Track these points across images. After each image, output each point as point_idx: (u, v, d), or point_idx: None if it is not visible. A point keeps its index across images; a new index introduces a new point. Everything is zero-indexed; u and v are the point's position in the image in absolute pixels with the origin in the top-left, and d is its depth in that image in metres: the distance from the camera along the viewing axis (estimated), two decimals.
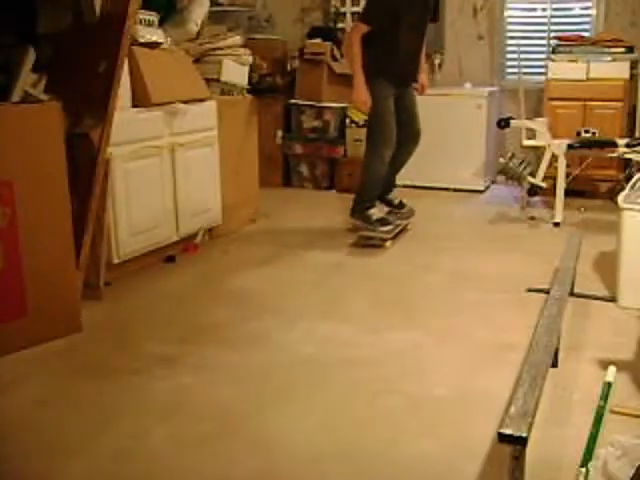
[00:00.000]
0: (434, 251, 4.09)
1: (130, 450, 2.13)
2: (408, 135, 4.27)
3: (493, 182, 5.94)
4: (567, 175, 4.71)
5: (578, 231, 3.92)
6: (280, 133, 5.80)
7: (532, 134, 4.85)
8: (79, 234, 3.00)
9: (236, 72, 4.44)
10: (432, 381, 2.53)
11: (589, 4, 5.59)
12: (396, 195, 4.49)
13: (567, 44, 5.31)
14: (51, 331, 2.87)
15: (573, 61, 5.21)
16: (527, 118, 4.98)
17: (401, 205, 4.46)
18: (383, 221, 4.19)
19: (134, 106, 3.61)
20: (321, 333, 2.97)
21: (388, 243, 4.13)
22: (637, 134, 5.04)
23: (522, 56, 5.23)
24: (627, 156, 4.58)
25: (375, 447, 2.13)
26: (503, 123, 4.88)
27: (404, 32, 4.04)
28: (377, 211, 4.22)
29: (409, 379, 2.55)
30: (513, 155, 4.84)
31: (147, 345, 2.85)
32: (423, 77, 4.36)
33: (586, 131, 5.12)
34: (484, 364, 2.66)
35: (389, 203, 4.44)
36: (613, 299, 3.21)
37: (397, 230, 4.27)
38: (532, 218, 4.79)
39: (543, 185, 4.72)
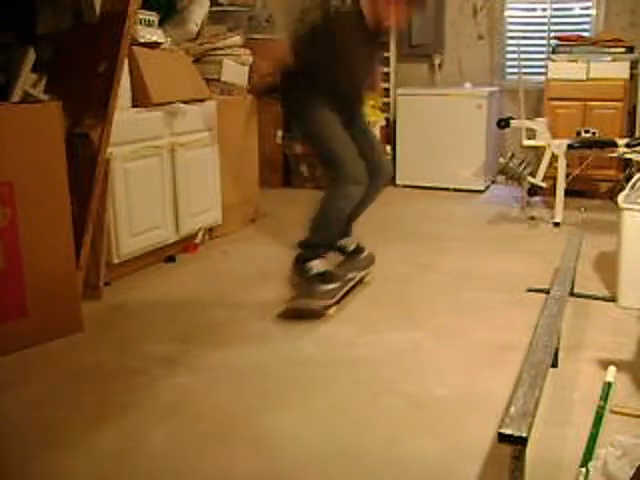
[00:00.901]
0: (434, 251, 4.09)
1: (130, 450, 2.13)
2: (369, 169, 3.36)
3: (493, 182, 5.94)
4: (567, 175, 4.71)
5: (578, 231, 3.92)
6: (280, 133, 5.79)
7: (532, 134, 4.85)
8: (79, 234, 3.00)
9: (236, 72, 4.44)
10: (432, 381, 2.53)
11: (589, 4, 5.59)
12: (352, 241, 3.51)
13: (567, 44, 5.31)
14: (51, 331, 2.87)
15: (573, 61, 5.21)
16: (527, 118, 4.98)
17: (358, 251, 3.50)
18: (326, 277, 3.14)
19: (134, 106, 3.61)
20: (321, 333, 2.97)
21: (331, 311, 3.11)
22: (637, 134, 5.05)
23: (522, 56, 5.23)
24: (627, 156, 4.58)
25: (375, 447, 2.13)
26: (503, 123, 4.88)
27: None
28: (320, 263, 3.17)
29: (409, 379, 2.55)
30: (513, 155, 4.84)
31: (147, 345, 2.85)
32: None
33: (586, 131, 5.12)
34: (484, 364, 2.66)
35: (341, 250, 3.47)
36: (613, 299, 3.21)
37: (347, 287, 3.28)
38: (532, 218, 4.79)
39: (543, 185, 4.72)
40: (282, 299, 3.15)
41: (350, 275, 3.34)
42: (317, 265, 3.15)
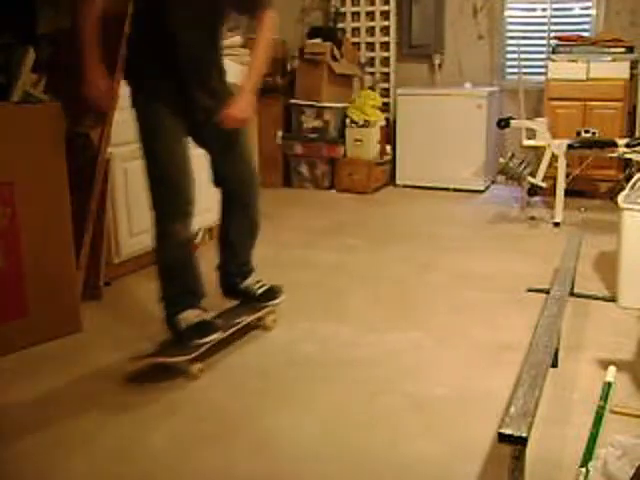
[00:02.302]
0: (434, 251, 4.09)
1: (130, 450, 2.13)
2: (224, 200, 2.88)
3: (493, 182, 5.94)
4: (567, 175, 4.71)
5: (578, 231, 3.92)
6: (280, 133, 5.80)
7: (532, 134, 4.85)
8: (79, 234, 3.00)
9: (236, 72, 4.44)
10: (432, 381, 2.53)
11: (589, 4, 5.59)
12: (256, 281, 2.98)
13: (567, 44, 5.31)
14: (51, 331, 2.87)
15: (573, 61, 5.21)
16: (527, 118, 4.98)
17: (269, 294, 2.97)
18: (201, 328, 2.64)
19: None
20: (321, 333, 2.97)
21: (196, 368, 2.59)
22: (637, 134, 5.04)
23: (522, 56, 5.23)
24: (627, 156, 4.58)
25: (375, 447, 2.13)
26: (503, 123, 4.88)
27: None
28: (191, 314, 2.66)
29: (409, 379, 2.55)
30: (513, 155, 4.84)
31: (147, 345, 2.85)
32: (234, 104, 2.59)
33: (586, 131, 5.12)
34: (484, 364, 2.66)
35: (245, 294, 2.97)
36: (613, 299, 3.21)
37: (228, 333, 2.76)
38: (532, 218, 4.79)
39: (543, 185, 4.72)
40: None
41: (238, 320, 2.84)
42: (188, 317, 2.66)
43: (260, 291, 2.95)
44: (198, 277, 2.77)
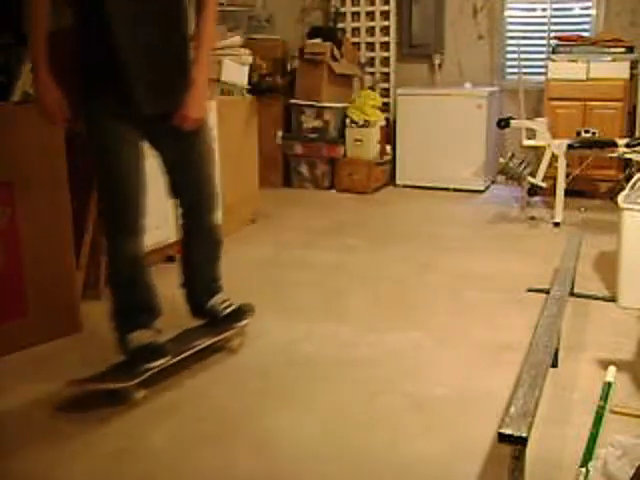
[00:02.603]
0: (434, 251, 4.09)
1: (130, 450, 2.13)
2: (183, 215, 2.68)
3: (493, 182, 5.94)
4: (567, 175, 4.71)
5: (578, 231, 3.92)
6: (280, 133, 5.80)
7: (532, 134, 4.85)
8: (79, 234, 3.00)
9: (236, 72, 4.44)
10: (432, 381, 2.53)
11: (589, 4, 5.59)
12: (223, 300, 2.79)
13: (567, 44, 5.31)
14: (51, 331, 2.87)
15: (573, 61, 5.21)
16: (527, 118, 4.98)
17: (235, 315, 2.79)
18: (152, 351, 2.47)
19: None
20: (321, 333, 2.97)
21: (140, 394, 2.41)
22: (637, 134, 5.04)
23: (522, 56, 5.23)
24: (627, 156, 4.58)
25: (375, 447, 2.13)
26: (503, 123, 4.88)
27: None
28: (142, 334, 2.51)
29: (409, 379, 2.55)
30: (513, 155, 4.84)
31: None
32: (187, 102, 2.39)
33: (586, 131, 5.12)
34: (484, 364, 2.66)
35: (210, 314, 2.78)
36: (613, 299, 3.21)
37: (181, 357, 2.57)
38: (532, 218, 4.79)
39: (543, 185, 4.72)
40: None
41: (197, 342, 2.65)
42: (138, 337, 2.50)
43: (226, 312, 2.77)
44: (152, 294, 2.61)
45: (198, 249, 2.73)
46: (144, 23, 2.30)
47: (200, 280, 2.78)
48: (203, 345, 2.65)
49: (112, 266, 2.54)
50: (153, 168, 3.68)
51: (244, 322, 2.81)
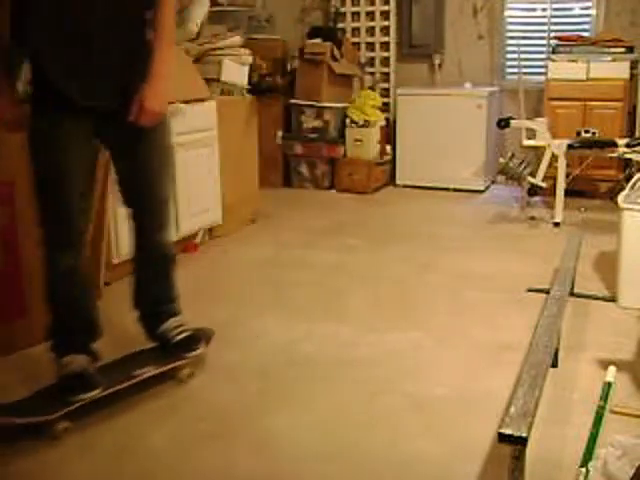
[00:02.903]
0: (434, 251, 4.09)
1: (130, 450, 2.13)
2: (136, 230, 2.46)
3: (493, 182, 5.94)
4: (567, 175, 4.71)
5: (578, 231, 3.92)
6: (280, 133, 5.80)
7: (532, 134, 4.85)
8: None
9: (236, 72, 4.44)
10: (432, 381, 2.53)
11: (589, 4, 5.59)
12: (176, 325, 2.55)
13: (567, 44, 5.31)
14: None
15: (573, 61, 5.21)
16: (527, 118, 4.98)
17: (188, 343, 2.53)
18: (81, 382, 2.27)
19: None
20: (321, 333, 2.97)
21: (60, 428, 2.19)
22: (637, 134, 5.04)
23: (522, 56, 5.23)
24: (627, 156, 4.58)
25: (375, 447, 2.13)
26: (503, 123, 4.88)
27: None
28: (76, 360, 2.32)
29: (409, 379, 2.55)
30: (513, 155, 4.84)
31: (146, 345, 2.85)
32: (146, 94, 2.20)
33: (586, 131, 5.12)
34: (484, 364, 2.66)
35: (161, 340, 2.55)
36: (613, 299, 3.21)
37: (130, 381, 2.37)
38: (532, 218, 4.79)
39: (543, 185, 4.72)
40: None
41: (139, 371, 2.40)
42: (70, 363, 2.31)
43: (178, 338, 2.50)
44: (91, 314, 2.40)
45: (147, 267, 2.50)
46: (93, 4, 2.09)
47: (149, 301, 2.54)
48: (144, 376, 2.39)
49: (48, 281, 2.32)
50: None
51: (197, 352, 2.54)
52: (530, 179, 4.73)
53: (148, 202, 2.39)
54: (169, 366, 2.49)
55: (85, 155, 2.23)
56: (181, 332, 2.52)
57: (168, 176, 2.43)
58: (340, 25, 6.16)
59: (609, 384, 1.76)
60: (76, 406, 2.22)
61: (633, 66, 5.15)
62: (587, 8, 5.62)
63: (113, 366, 2.47)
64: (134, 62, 2.21)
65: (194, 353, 2.53)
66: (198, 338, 2.56)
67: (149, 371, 2.41)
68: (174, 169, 2.49)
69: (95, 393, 2.25)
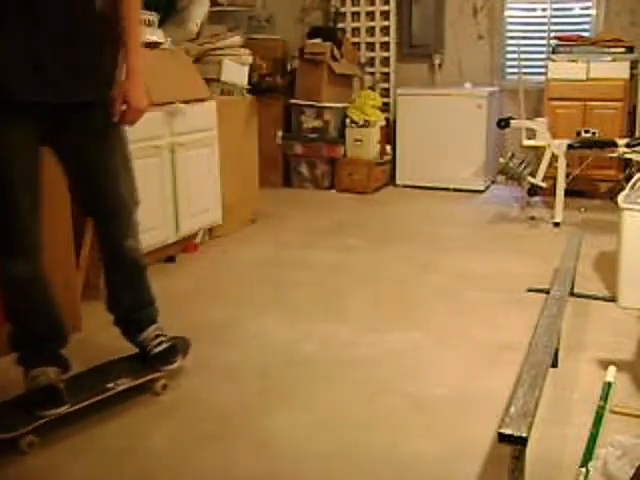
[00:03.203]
0: (434, 251, 4.09)
1: (130, 450, 2.13)
2: (103, 237, 2.38)
3: (493, 182, 5.94)
4: (567, 175, 4.71)
5: (578, 231, 3.92)
6: (280, 133, 5.80)
7: (532, 134, 4.85)
8: (79, 234, 3.00)
9: (236, 72, 4.44)
10: (432, 381, 2.53)
11: (589, 4, 5.59)
12: (155, 335, 2.45)
13: (567, 44, 5.31)
14: None
15: (573, 61, 5.21)
16: (527, 118, 4.98)
17: (165, 355, 2.43)
18: (48, 397, 2.17)
19: None
20: (321, 333, 2.97)
21: (25, 442, 2.10)
22: (637, 134, 5.04)
23: (522, 56, 5.23)
24: (627, 156, 4.58)
25: (375, 447, 2.13)
26: (503, 123, 4.88)
27: None
28: (44, 372, 2.22)
29: (409, 379, 2.55)
30: (513, 155, 4.84)
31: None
32: (130, 92, 2.16)
33: (586, 131, 5.12)
34: (484, 364, 2.66)
35: (141, 349, 2.46)
36: (613, 299, 3.21)
37: (102, 394, 2.28)
38: (532, 218, 4.79)
39: (543, 185, 4.72)
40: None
41: (111, 384, 2.30)
42: (38, 376, 2.20)
43: (156, 350, 2.41)
44: (54, 321, 2.28)
45: (120, 273, 2.39)
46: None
47: (125, 308, 2.45)
48: (117, 390, 2.31)
49: (4, 290, 2.20)
50: (151, 168, 3.70)
51: (174, 365, 2.45)
52: (530, 179, 4.73)
53: (113, 205, 2.26)
54: (145, 379, 2.41)
55: (32, 155, 2.09)
56: (160, 343, 2.44)
57: (131, 178, 2.31)
58: (340, 25, 6.16)
59: (609, 384, 1.76)
60: (44, 421, 2.13)
61: (633, 66, 5.15)
62: (587, 8, 5.62)
63: (87, 376, 2.39)
64: (91, 56, 2.07)
65: (171, 367, 2.45)
66: (176, 350, 2.47)
67: (123, 383, 2.34)
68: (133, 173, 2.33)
69: (64, 409, 2.16)
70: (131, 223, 2.33)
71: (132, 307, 2.45)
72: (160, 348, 2.42)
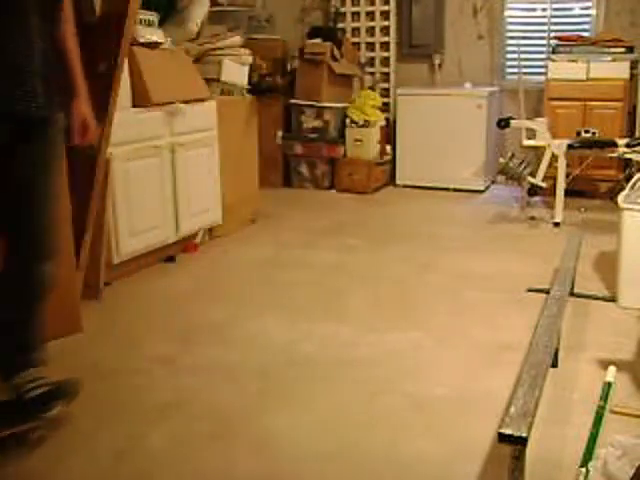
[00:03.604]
0: (434, 251, 4.09)
1: (130, 450, 2.13)
2: (9, 256, 2.14)
3: (493, 182, 5.94)
4: (567, 175, 4.71)
5: (578, 231, 3.92)
6: (280, 133, 5.80)
7: (532, 134, 4.85)
8: (79, 234, 3.00)
9: (236, 72, 4.45)
10: (432, 381, 2.53)
11: (589, 4, 5.59)
12: (30, 378, 2.18)
13: (567, 44, 5.31)
14: (51, 331, 2.85)
15: (573, 61, 5.21)
16: (527, 118, 4.98)
17: (43, 401, 2.14)
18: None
19: (134, 106, 3.61)
20: (321, 333, 2.97)
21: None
22: (637, 134, 5.04)
23: (522, 56, 5.23)
24: (627, 156, 4.58)
25: (375, 447, 2.13)
26: (503, 123, 4.88)
27: None
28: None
29: (409, 379, 2.55)
30: (513, 155, 4.84)
31: (147, 345, 2.85)
32: (84, 112, 2.20)
33: (586, 131, 5.12)
34: (484, 364, 2.66)
35: (16, 393, 2.16)
36: (613, 299, 3.21)
37: None
38: (532, 218, 4.79)
39: (543, 185, 4.72)
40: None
41: None
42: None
43: (32, 394, 2.12)
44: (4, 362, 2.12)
45: (14, 301, 2.13)
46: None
47: (9, 345, 2.16)
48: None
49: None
50: (151, 168, 3.70)
51: (53, 412, 2.14)
52: (530, 179, 4.73)
53: (28, 224, 2.07)
54: (15, 429, 2.09)
55: None
56: (38, 387, 2.14)
57: (53, 197, 2.14)
58: (340, 25, 6.17)
59: (609, 384, 1.76)
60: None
61: (633, 66, 5.15)
62: (587, 8, 5.62)
63: None
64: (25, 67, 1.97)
65: (50, 414, 2.14)
66: (57, 396, 2.16)
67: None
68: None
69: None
70: (45, 247, 2.16)
71: (19, 347, 2.19)
72: (38, 392, 2.14)
